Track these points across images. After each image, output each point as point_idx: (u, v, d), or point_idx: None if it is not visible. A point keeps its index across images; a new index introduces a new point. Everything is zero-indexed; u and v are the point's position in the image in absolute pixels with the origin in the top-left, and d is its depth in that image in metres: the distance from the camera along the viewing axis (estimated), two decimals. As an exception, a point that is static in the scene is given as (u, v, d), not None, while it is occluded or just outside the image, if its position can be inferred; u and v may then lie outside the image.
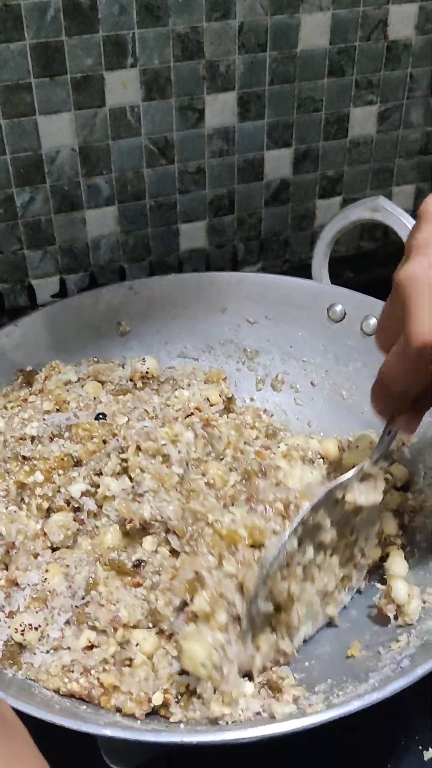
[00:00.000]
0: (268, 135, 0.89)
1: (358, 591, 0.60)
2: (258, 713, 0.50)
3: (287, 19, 0.82)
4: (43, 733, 0.57)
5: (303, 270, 0.79)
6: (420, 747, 0.57)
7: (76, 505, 0.60)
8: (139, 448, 0.59)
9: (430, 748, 0.56)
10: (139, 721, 0.49)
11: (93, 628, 0.52)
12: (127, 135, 0.83)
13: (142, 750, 0.55)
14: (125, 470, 0.59)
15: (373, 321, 0.71)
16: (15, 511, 0.59)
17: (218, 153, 0.88)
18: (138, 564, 0.55)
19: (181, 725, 0.50)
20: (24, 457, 0.60)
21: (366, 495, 0.56)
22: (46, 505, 0.59)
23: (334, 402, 0.74)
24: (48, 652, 0.52)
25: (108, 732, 0.43)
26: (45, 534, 0.58)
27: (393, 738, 0.57)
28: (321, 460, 0.67)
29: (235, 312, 0.77)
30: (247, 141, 0.88)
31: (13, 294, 0.89)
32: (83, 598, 0.54)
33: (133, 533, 0.57)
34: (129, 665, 0.51)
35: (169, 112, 0.83)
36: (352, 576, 0.59)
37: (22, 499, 0.60)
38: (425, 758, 0.56)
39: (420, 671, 0.44)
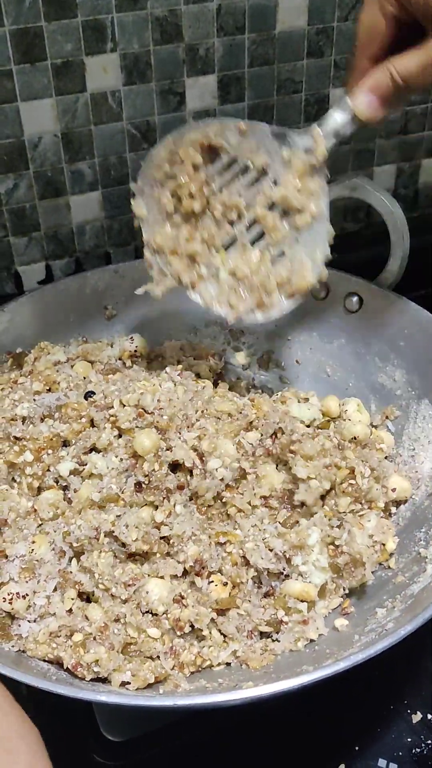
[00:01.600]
0: (249, 117, 0.89)
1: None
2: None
3: (264, 1, 0.82)
4: (41, 707, 0.59)
5: (287, 251, 0.80)
6: (408, 711, 0.58)
7: (64, 484, 0.61)
8: (122, 404, 0.61)
9: (418, 712, 0.58)
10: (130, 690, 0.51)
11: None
12: (108, 120, 0.83)
13: (139, 722, 0.56)
14: (120, 432, 0.60)
15: (355, 298, 0.72)
16: (6, 490, 0.60)
17: (200, 136, 0.88)
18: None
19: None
20: (15, 438, 0.61)
21: (305, 156, 0.58)
22: (36, 483, 0.60)
23: (320, 379, 0.75)
24: (35, 620, 0.54)
25: (103, 698, 0.45)
26: (35, 511, 0.59)
27: (383, 702, 0.59)
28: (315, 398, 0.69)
29: (220, 293, 0.78)
30: (229, 124, 0.89)
31: (-1, 281, 0.90)
32: (66, 557, 0.56)
33: None
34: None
35: (150, 96, 0.83)
36: (271, 291, 0.60)
37: (13, 478, 0.61)
38: (413, 721, 0.58)
39: (402, 632, 0.46)
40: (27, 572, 0.55)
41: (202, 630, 0.54)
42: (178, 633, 0.54)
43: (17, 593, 0.54)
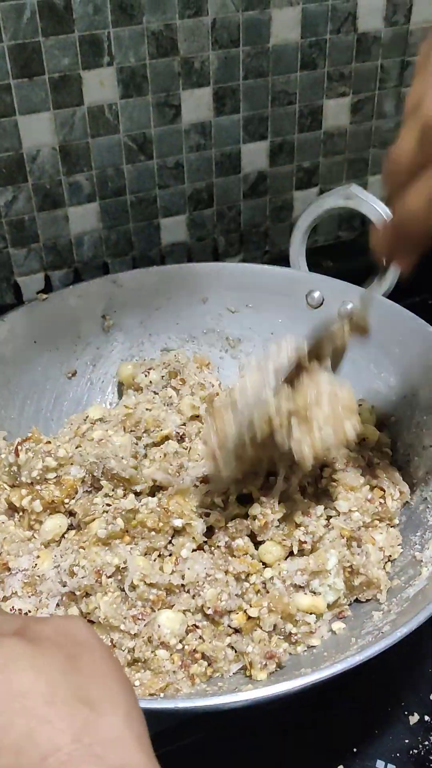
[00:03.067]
0: (243, 129, 0.90)
1: None
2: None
3: (258, 15, 0.84)
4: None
5: (283, 261, 0.80)
6: (405, 712, 0.59)
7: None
8: None
9: (415, 713, 0.59)
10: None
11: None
12: (105, 132, 0.84)
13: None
14: None
15: (350, 306, 0.73)
16: (2, 523, 0.60)
17: (196, 147, 0.89)
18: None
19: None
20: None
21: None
22: (36, 525, 0.61)
23: (316, 386, 0.76)
24: None
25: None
26: (34, 537, 0.59)
27: (380, 704, 0.59)
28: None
29: (217, 301, 0.79)
30: (224, 135, 0.90)
31: (-1, 292, 0.91)
32: (66, 585, 0.55)
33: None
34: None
35: (147, 109, 0.85)
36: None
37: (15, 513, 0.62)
38: (411, 723, 0.58)
39: (398, 634, 0.46)
40: (29, 587, 0.55)
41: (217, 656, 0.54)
42: (191, 660, 0.54)
43: (19, 609, 0.53)
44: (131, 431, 0.66)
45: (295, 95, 0.91)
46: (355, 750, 0.56)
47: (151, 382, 0.74)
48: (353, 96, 0.94)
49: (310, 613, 0.55)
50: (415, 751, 0.56)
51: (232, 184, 0.94)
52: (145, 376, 0.74)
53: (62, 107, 0.81)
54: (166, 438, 0.65)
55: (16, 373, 0.74)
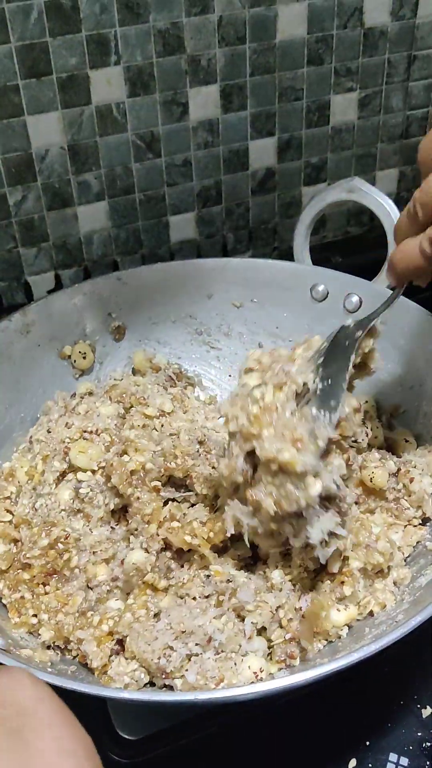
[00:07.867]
0: (251, 125, 0.91)
1: None
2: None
3: (264, 11, 0.84)
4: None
5: (292, 257, 0.80)
6: (418, 705, 0.59)
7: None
8: None
9: (428, 707, 0.58)
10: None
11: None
12: (114, 131, 0.85)
13: (154, 720, 0.57)
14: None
15: (354, 298, 0.73)
16: None
17: (204, 145, 0.90)
18: None
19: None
20: None
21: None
22: None
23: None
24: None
25: (125, 695, 0.45)
26: None
27: (392, 698, 0.59)
28: None
29: (222, 297, 0.79)
30: (232, 132, 0.90)
31: (10, 291, 0.91)
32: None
33: None
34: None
35: (154, 107, 0.85)
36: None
37: None
38: (423, 716, 0.58)
39: (413, 623, 0.46)
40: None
41: None
42: None
43: None
44: (117, 401, 0.67)
45: (302, 91, 0.91)
46: (367, 743, 0.56)
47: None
48: (360, 91, 0.94)
49: (344, 626, 0.55)
50: (428, 744, 0.56)
51: (240, 180, 0.94)
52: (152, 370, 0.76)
53: (70, 107, 0.81)
54: (149, 417, 0.66)
55: (25, 373, 0.74)
